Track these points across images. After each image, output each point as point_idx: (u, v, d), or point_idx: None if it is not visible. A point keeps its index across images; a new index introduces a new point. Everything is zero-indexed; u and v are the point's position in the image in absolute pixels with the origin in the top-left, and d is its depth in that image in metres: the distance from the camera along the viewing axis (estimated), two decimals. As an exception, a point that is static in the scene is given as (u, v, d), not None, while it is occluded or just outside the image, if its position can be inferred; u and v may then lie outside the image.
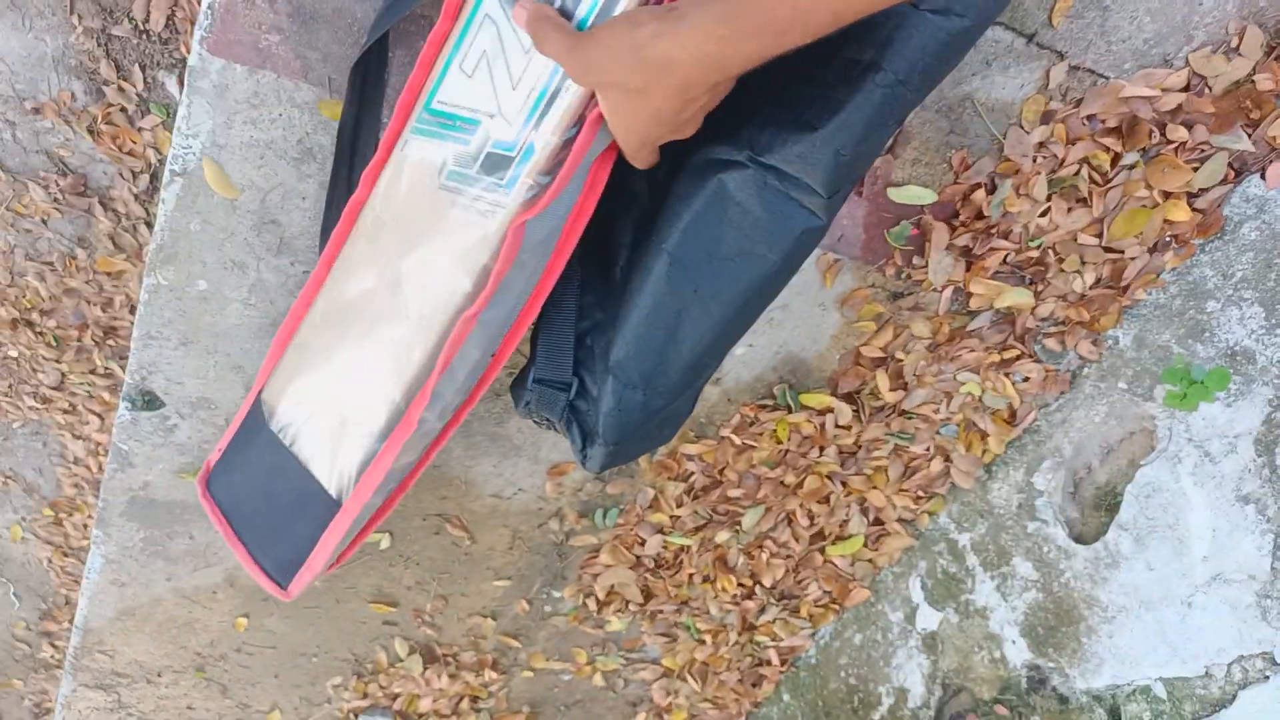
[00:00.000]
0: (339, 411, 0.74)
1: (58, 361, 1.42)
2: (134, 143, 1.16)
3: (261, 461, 0.78)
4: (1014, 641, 1.06)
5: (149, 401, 0.90)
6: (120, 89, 1.12)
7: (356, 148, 0.75)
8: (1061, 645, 1.00)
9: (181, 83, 0.99)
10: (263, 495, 0.80)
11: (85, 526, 1.67)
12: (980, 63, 0.80)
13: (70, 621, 1.77)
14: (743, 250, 0.71)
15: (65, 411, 1.49)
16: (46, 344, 1.40)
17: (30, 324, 1.38)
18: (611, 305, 0.79)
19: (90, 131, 1.16)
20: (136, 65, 1.10)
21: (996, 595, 1.07)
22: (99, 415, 1.47)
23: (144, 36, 1.08)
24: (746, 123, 0.69)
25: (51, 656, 1.87)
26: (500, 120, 0.64)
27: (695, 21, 0.50)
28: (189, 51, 0.80)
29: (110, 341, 1.42)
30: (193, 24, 0.97)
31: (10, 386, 1.46)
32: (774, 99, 0.69)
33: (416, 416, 0.70)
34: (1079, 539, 1.00)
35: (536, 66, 0.62)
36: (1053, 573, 1.01)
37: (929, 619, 1.15)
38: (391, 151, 0.69)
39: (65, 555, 1.68)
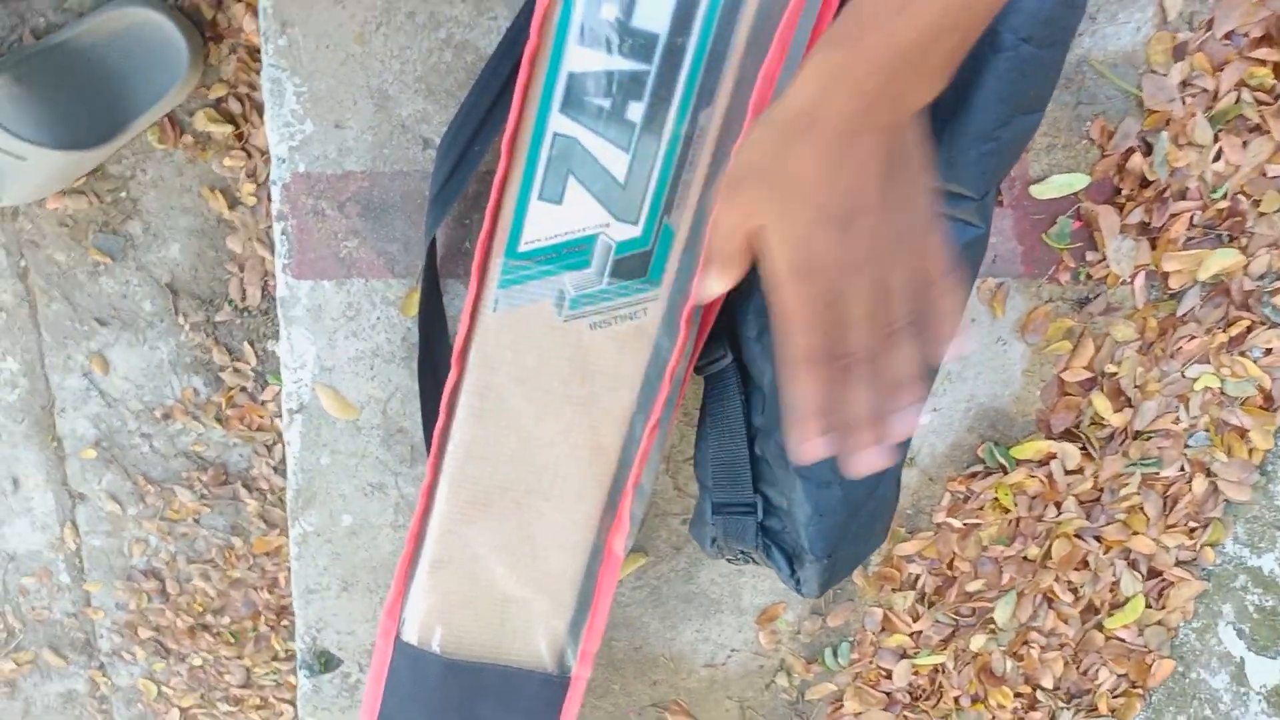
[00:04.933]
0: (512, 595, 0.70)
1: (240, 658, 1.40)
2: (260, 417, 1.17)
3: (439, 694, 0.71)
4: (1390, 669, 0.83)
5: (326, 662, 0.84)
6: (236, 370, 1.14)
7: (434, 334, 0.71)
8: None
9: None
10: (461, 722, 0.72)
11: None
12: (1084, 20, 0.71)
13: None
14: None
15: (258, 708, 1.45)
16: (225, 643, 1.38)
17: (206, 627, 1.37)
18: (767, 405, 0.70)
19: (218, 420, 1.18)
20: (245, 343, 1.12)
21: (1342, 617, 0.86)
22: (290, 702, 1.42)
23: (245, 314, 1.11)
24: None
25: None
26: (618, 225, 0.62)
27: (805, 62, 0.43)
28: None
29: (285, 622, 1.39)
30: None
31: (202, 696, 1.44)
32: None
33: (620, 546, 0.70)
34: None
35: (643, 157, 0.61)
36: (1406, 567, 0.81)
37: (1265, 671, 0.93)
38: (475, 319, 0.64)
39: None
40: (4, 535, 1.30)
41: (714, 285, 0.52)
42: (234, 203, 1.02)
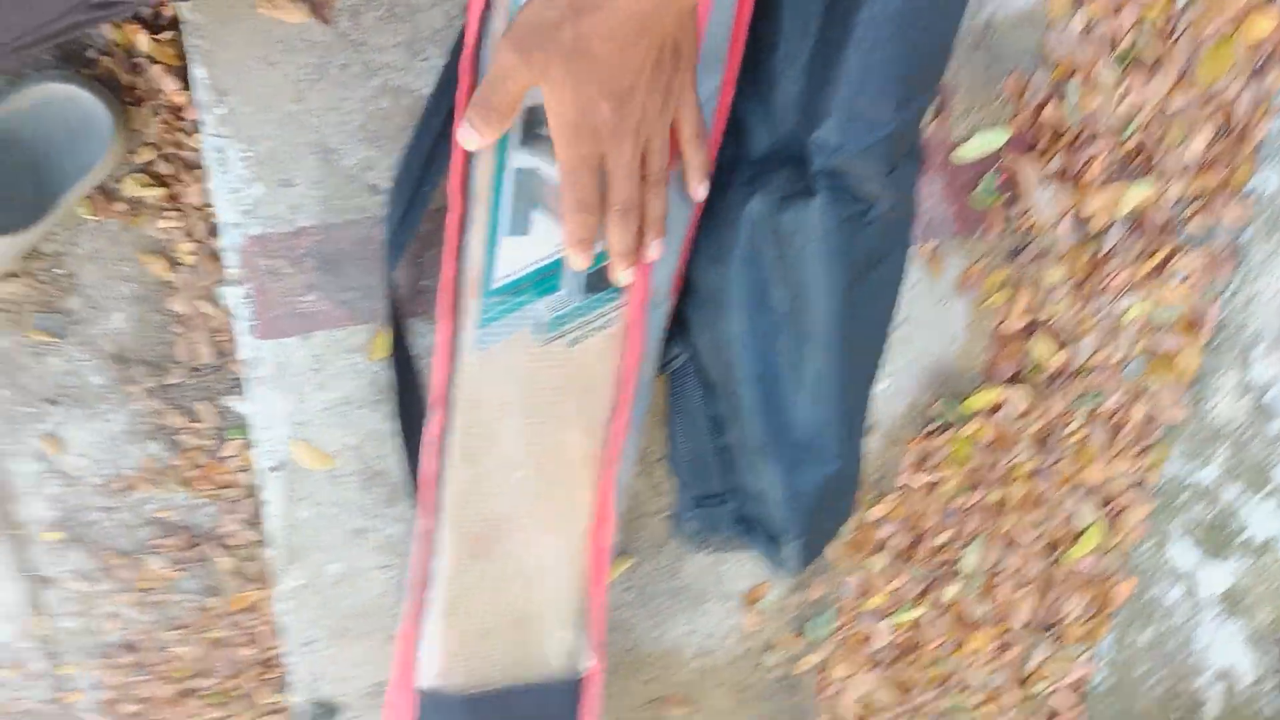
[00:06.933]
0: (521, 615, 0.72)
1: (229, 718, 1.38)
2: (224, 474, 1.16)
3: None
4: (1330, 557, 0.90)
5: (327, 711, 0.85)
6: (193, 430, 1.13)
7: (408, 375, 0.71)
8: (1391, 535, 0.84)
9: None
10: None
11: None
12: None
13: None
14: (814, 279, 0.66)
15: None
16: (212, 705, 1.36)
17: (191, 692, 1.35)
18: (722, 396, 0.73)
19: (181, 483, 1.16)
20: (200, 402, 1.11)
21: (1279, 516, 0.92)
22: (289, 755, 1.41)
23: (196, 374, 1.10)
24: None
25: None
26: None
27: None
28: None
29: (268, 675, 1.38)
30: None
31: (197, 762, 1.42)
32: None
33: (608, 547, 0.73)
34: (1339, 413, 0.87)
35: None
36: (1332, 462, 0.87)
37: (1216, 578, 0.99)
38: (455, 360, 0.65)
39: None
40: (-30, 632, 1.26)
41: (473, 135, 0.53)
42: (174, 264, 1.00)
